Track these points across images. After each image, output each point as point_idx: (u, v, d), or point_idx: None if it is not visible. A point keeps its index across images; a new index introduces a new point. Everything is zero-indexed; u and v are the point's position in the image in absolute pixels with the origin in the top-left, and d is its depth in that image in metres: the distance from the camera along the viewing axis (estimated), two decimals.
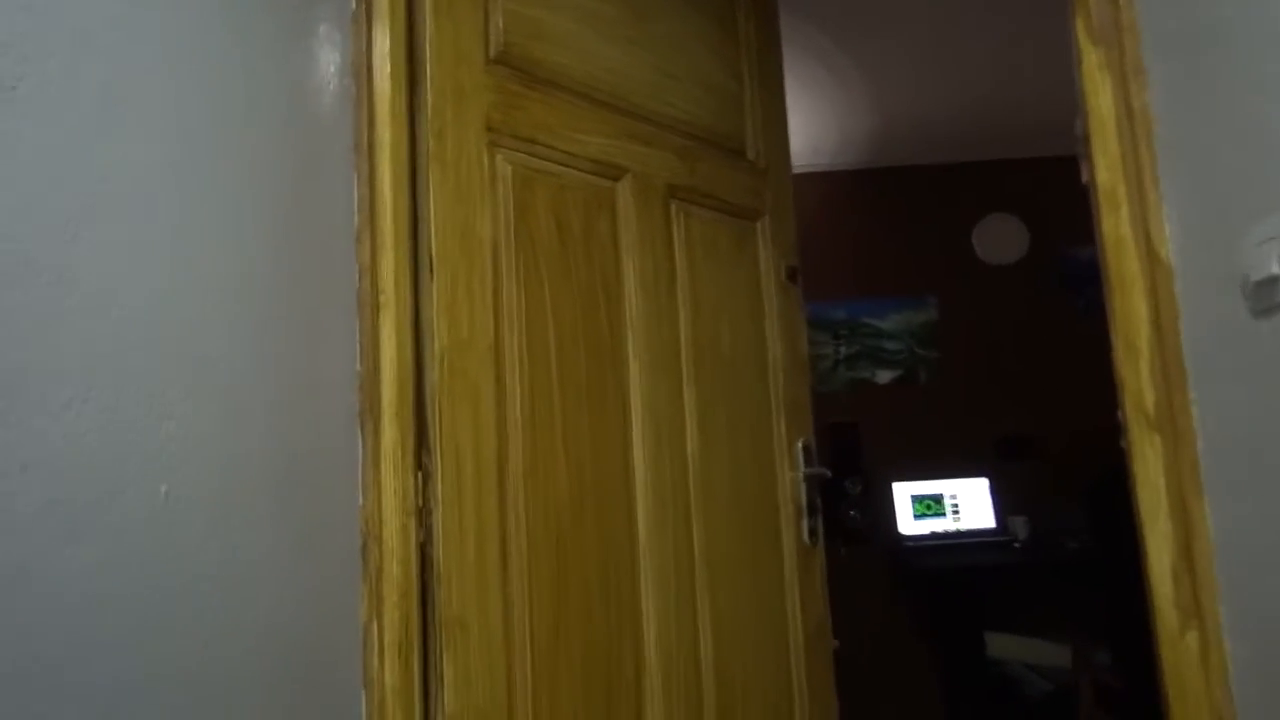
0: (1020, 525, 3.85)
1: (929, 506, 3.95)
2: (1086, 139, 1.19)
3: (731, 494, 1.68)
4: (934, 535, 3.91)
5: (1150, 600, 1.12)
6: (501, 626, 1.25)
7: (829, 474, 1.86)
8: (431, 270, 1.25)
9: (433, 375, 1.23)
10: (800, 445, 1.83)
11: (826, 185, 4.28)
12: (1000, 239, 4.23)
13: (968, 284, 4.22)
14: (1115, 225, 1.14)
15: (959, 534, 3.92)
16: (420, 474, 1.21)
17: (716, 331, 1.71)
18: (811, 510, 1.82)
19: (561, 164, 1.47)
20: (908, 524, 3.93)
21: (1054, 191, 4.22)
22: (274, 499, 0.95)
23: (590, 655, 1.37)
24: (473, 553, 1.23)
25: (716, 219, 1.76)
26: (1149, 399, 1.10)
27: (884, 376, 4.20)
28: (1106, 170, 1.15)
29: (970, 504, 3.96)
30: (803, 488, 1.81)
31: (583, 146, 1.50)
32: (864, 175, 4.30)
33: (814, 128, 3.85)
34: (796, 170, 3.75)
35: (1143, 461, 1.10)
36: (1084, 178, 1.24)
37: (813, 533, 1.82)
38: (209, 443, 0.85)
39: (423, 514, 1.21)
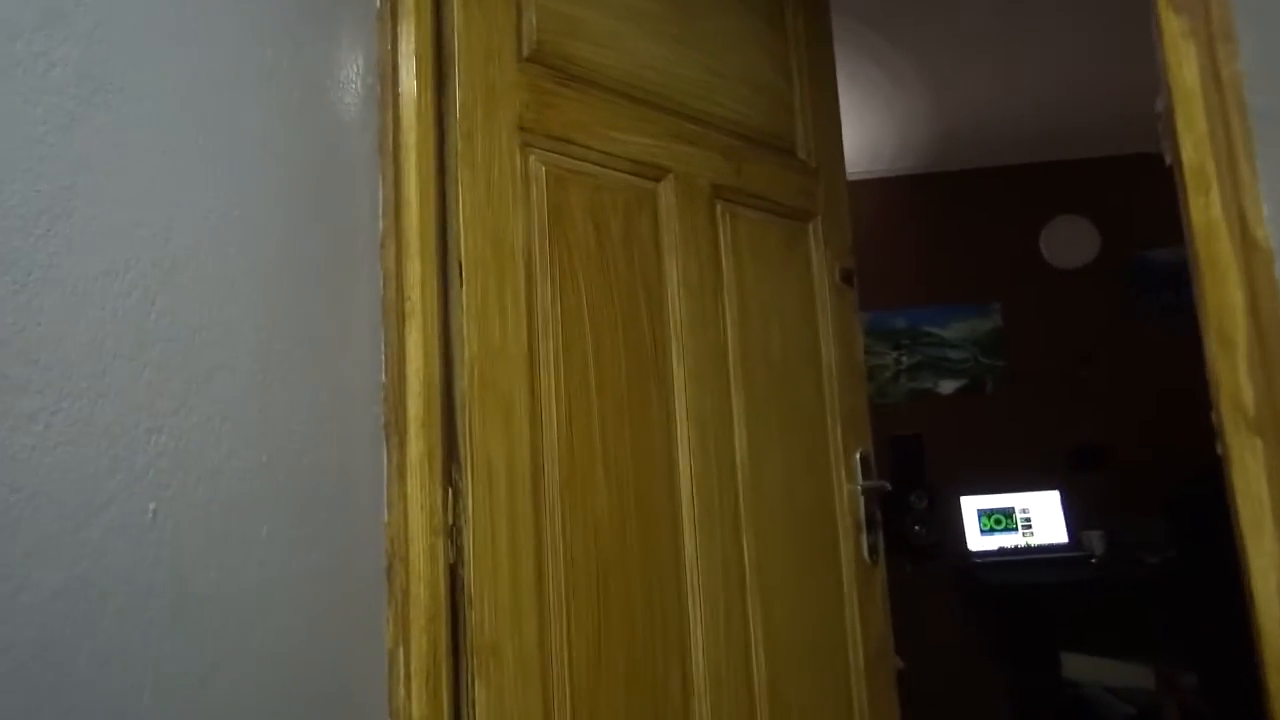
0: (1095, 540, 3.67)
1: (998, 521, 3.79)
2: (1169, 115, 1.08)
3: (785, 508, 1.58)
4: (1003, 551, 3.75)
5: (1254, 624, 1.01)
6: (538, 652, 1.18)
7: (889, 487, 1.75)
8: (461, 276, 1.19)
9: (462, 385, 1.17)
10: (858, 456, 1.73)
11: (884, 192, 4.16)
12: (1069, 242, 4.06)
13: (1034, 289, 4.06)
14: (1205, 207, 1.03)
15: (1030, 549, 3.75)
16: (450, 490, 1.15)
17: (766, 337, 1.62)
18: (871, 525, 1.72)
19: (599, 164, 1.40)
20: (976, 539, 3.78)
21: (1126, 191, 4.05)
22: (287, 517, 0.89)
23: (634, 681, 1.29)
24: (506, 573, 1.16)
25: (765, 220, 1.67)
26: (1247, 398, 0.99)
27: (947, 387, 4.06)
28: (1193, 148, 1.04)
29: (1042, 518, 3.79)
30: (861, 501, 1.71)
31: (622, 146, 1.43)
32: (923, 180, 4.17)
33: (872, 132, 3.74)
34: (853, 177, 3.62)
35: (1242, 470, 0.99)
36: (1167, 159, 1.13)
37: (873, 549, 1.71)
38: (208, 457, 0.79)
39: (452, 532, 1.14)
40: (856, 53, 3.04)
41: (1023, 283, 4.06)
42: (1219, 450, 1.06)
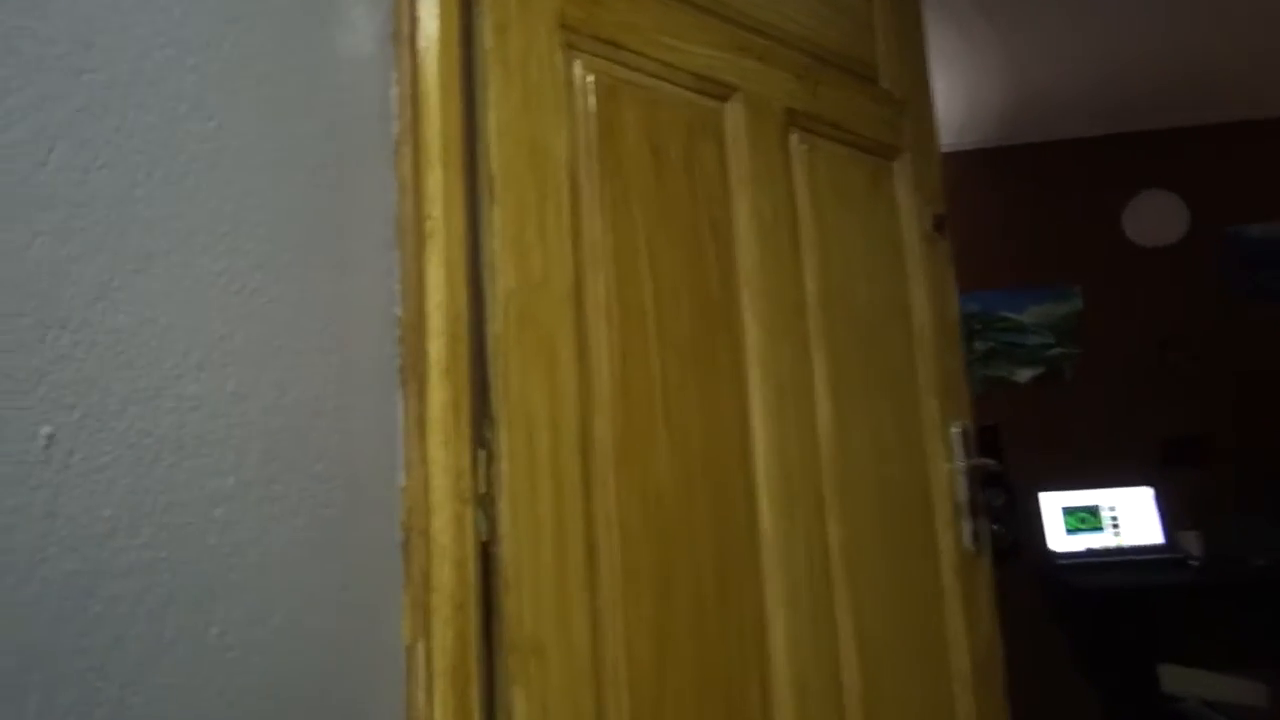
0: (1193, 540, 3.35)
1: (1083, 520, 3.50)
2: None
3: (874, 485, 1.35)
4: (1091, 552, 3.45)
5: None
6: (589, 648, 0.96)
7: (995, 466, 1.51)
8: (493, 193, 0.98)
9: (495, 324, 0.96)
10: (957, 430, 1.49)
11: (952, 167, 3.89)
12: (1155, 218, 3.76)
13: (1118, 270, 3.76)
14: None
15: (1120, 550, 3.45)
16: (481, 450, 0.94)
17: (850, 288, 1.39)
18: (974, 509, 1.48)
19: (655, 75, 1.19)
20: (1059, 539, 3.48)
21: (1216, 162, 3.74)
22: (260, 467, 0.69)
23: (704, 684, 1.07)
24: (550, 553, 0.95)
25: (846, 154, 1.45)
26: None
27: (1024, 375, 3.78)
28: None
29: (1132, 516, 3.49)
30: (963, 482, 1.47)
31: (681, 56, 1.22)
32: (994, 154, 3.90)
33: (938, 102, 3.48)
34: None
35: None
36: None
37: (976, 536, 1.47)
38: (140, 373, 0.59)
39: (484, 502, 0.93)
40: (933, 15, 2.80)
41: (1105, 263, 3.77)
42: None
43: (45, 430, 0.52)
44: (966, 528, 1.47)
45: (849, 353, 1.37)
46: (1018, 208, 3.83)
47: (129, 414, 0.58)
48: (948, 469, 1.48)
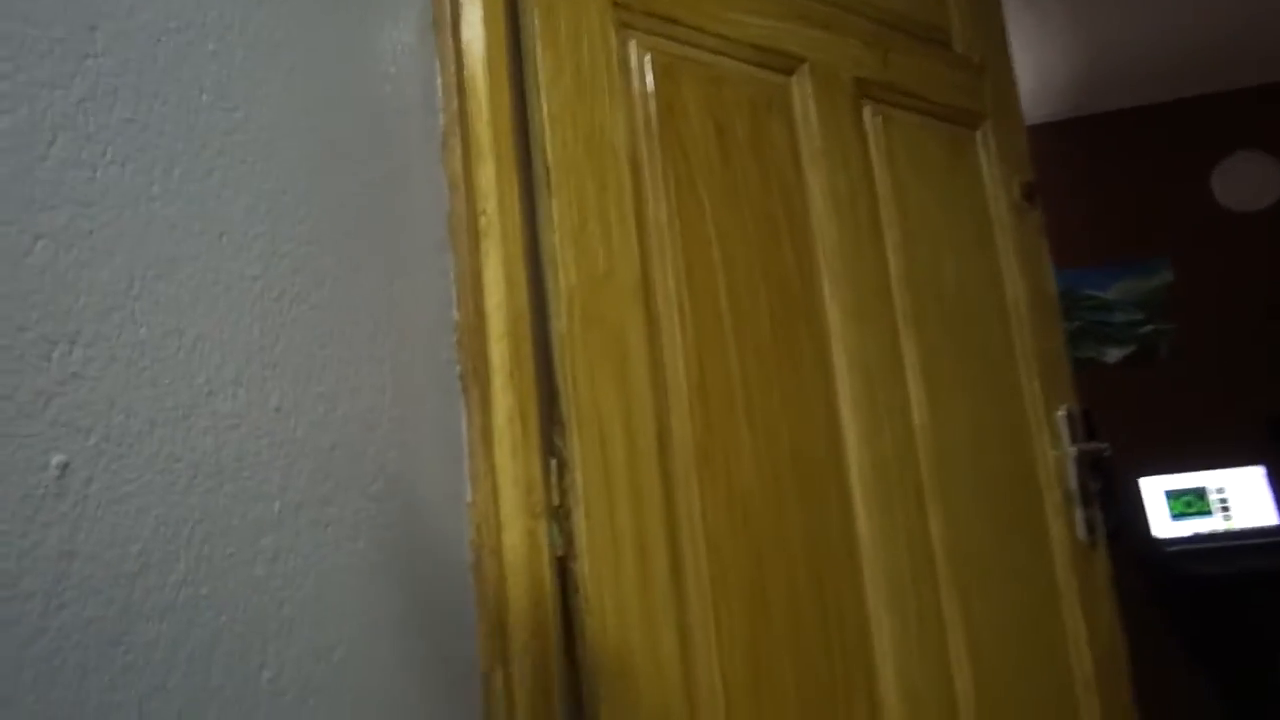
0: None
1: (1189, 504, 3.29)
2: None
3: (976, 476, 1.25)
4: (1199, 537, 3.25)
5: None
6: (679, 668, 0.89)
7: (1108, 451, 1.40)
8: (549, 184, 0.92)
9: (560, 323, 0.89)
10: (1063, 413, 1.38)
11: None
12: (1248, 181, 3.54)
13: (1210, 238, 3.55)
14: None
15: (1231, 534, 3.24)
16: (552, 460, 0.87)
17: (936, 266, 1.29)
18: (1085, 497, 1.37)
19: (715, 51, 1.11)
20: (1164, 525, 3.29)
21: None
22: (309, 488, 0.63)
23: (807, 700, 0.98)
24: (632, 566, 0.88)
25: (923, 124, 1.35)
26: None
27: (1114, 355, 3.59)
28: None
29: (1243, 497, 3.27)
30: (1073, 468, 1.36)
31: (740, 29, 1.14)
32: (1064, 127, 3.72)
33: None
34: None
35: None
36: None
37: (1090, 526, 1.36)
38: (169, 391, 0.53)
39: (559, 514, 0.86)
40: None
41: (1195, 232, 3.56)
42: None
43: (57, 459, 0.47)
44: (1079, 517, 1.36)
45: (939, 335, 1.27)
46: (1094, 181, 3.65)
47: (156, 436, 0.52)
48: (1054, 455, 1.37)
